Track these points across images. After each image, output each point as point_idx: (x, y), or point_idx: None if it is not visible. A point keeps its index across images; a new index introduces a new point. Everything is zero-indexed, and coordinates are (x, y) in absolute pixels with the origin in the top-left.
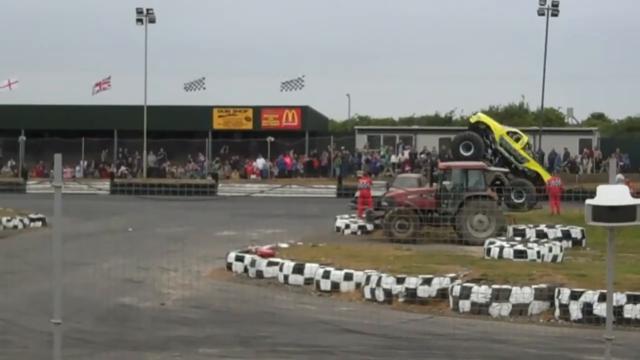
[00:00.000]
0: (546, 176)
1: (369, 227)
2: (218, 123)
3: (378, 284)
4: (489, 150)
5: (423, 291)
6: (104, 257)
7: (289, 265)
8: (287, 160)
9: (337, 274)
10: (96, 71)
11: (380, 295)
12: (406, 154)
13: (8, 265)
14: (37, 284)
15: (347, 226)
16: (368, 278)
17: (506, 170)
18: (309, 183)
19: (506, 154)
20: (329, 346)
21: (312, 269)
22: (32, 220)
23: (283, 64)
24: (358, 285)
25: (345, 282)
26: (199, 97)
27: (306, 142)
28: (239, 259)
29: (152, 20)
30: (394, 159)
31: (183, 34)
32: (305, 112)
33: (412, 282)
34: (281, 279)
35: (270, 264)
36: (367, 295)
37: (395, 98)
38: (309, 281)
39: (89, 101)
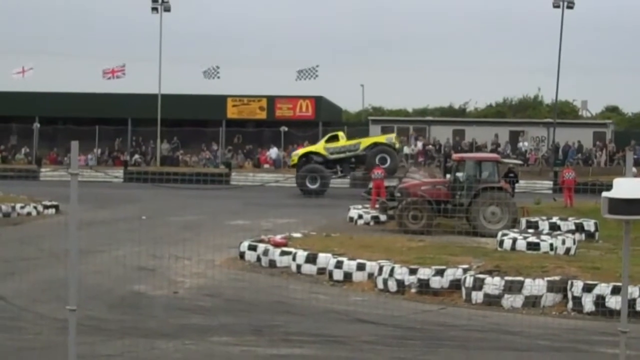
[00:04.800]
0: (382, 138)
1: (382, 217)
2: (232, 112)
3: (391, 274)
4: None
5: (436, 282)
6: (118, 244)
7: (301, 254)
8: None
9: (350, 264)
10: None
11: (392, 286)
12: (419, 145)
13: (21, 252)
14: (50, 270)
15: (360, 216)
16: (381, 268)
17: (520, 162)
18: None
19: (342, 156)
20: (341, 336)
21: (325, 259)
22: (45, 207)
23: (297, 54)
24: (371, 275)
25: (358, 273)
26: (213, 86)
27: (320, 133)
28: (252, 248)
29: (167, 9)
30: (407, 150)
31: (198, 22)
32: (319, 102)
33: (424, 273)
34: (294, 268)
35: (283, 253)
36: (380, 285)
37: (409, 89)
38: (321, 271)
39: (104, 89)
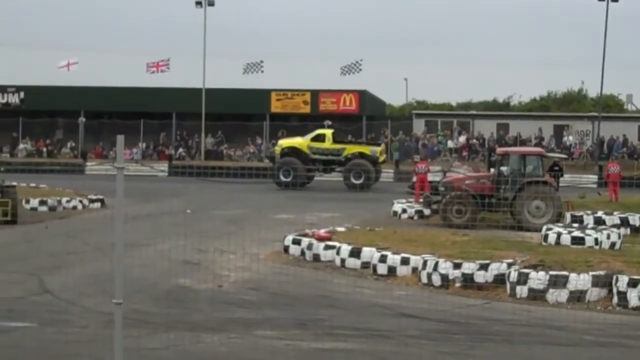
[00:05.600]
0: (367, 150)
1: (426, 212)
2: (276, 106)
3: (435, 268)
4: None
5: (480, 276)
6: (163, 238)
7: (346, 249)
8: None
9: (394, 258)
10: (155, 54)
11: (437, 280)
12: (462, 139)
13: (68, 246)
14: (96, 264)
15: (404, 211)
16: (425, 263)
17: (564, 156)
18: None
19: (323, 157)
20: (385, 330)
21: (369, 253)
22: (91, 201)
23: (341, 47)
24: (415, 269)
25: (402, 267)
26: (257, 80)
27: (363, 127)
28: (296, 242)
29: (211, 3)
30: (450, 144)
31: (242, 17)
32: (363, 96)
33: (469, 267)
34: (338, 262)
35: (327, 247)
36: (424, 279)
37: (453, 83)
38: (365, 265)
39: (148, 83)
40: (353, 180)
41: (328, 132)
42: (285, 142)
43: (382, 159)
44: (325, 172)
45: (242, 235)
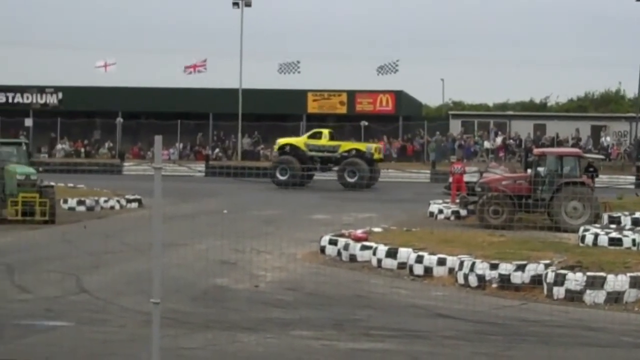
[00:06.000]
0: (362, 146)
1: (463, 212)
2: (312, 107)
3: (471, 269)
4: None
5: (517, 277)
6: (200, 238)
7: (382, 249)
8: (381, 144)
9: (430, 259)
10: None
11: (473, 281)
12: (499, 140)
13: (106, 246)
14: (134, 264)
15: (441, 211)
16: (461, 263)
17: (601, 157)
18: (402, 168)
19: (320, 154)
20: (422, 331)
21: (406, 254)
22: (128, 201)
23: (378, 48)
24: (451, 270)
25: (438, 267)
26: (293, 80)
27: (400, 127)
28: (333, 242)
29: (248, 4)
30: (487, 144)
31: (279, 17)
32: (399, 96)
33: (505, 268)
34: (374, 262)
35: (363, 247)
36: (461, 280)
37: (489, 83)
38: (402, 265)
39: (185, 84)
40: (347, 179)
41: (325, 131)
42: (282, 141)
43: (377, 156)
44: (323, 171)
45: (278, 236)
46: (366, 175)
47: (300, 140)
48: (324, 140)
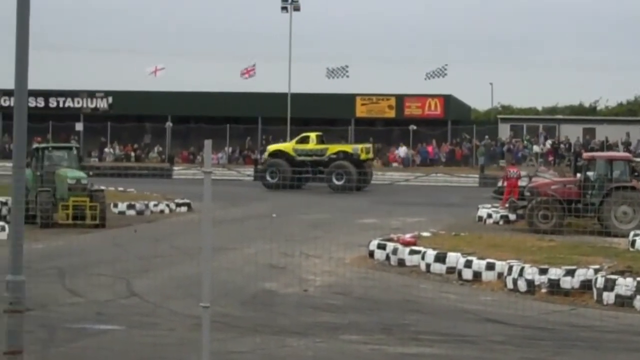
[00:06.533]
0: (348, 148)
1: (512, 217)
2: (361, 111)
3: (520, 274)
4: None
5: (566, 282)
6: (248, 242)
7: (431, 253)
8: (430, 148)
9: (479, 264)
10: (241, 59)
11: (522, 286)
12: (548, 144)
13: (155, 249)
14: (183, 267)
15: (489, 216)
16: (510, 268)
17: None
18: (451, 172)
19: (308, 159)
20: (471, 335)
21: (455, 258)
22: (178, 205)
23: (426, 52)
24: (500, 275)
25: (487, 272)
26: (342, 84)
27: (448, 131)
28: (381, 246)
29: (297, 8)
30: (536, 148)
31: (327, 22)
32: (448, 100)
33: (555, 273)
34: (423, 267)
35: (412, 252)
36: (510, 285)
37: (538, 87)
38: (451, 270)
39: (234, 88)
40: (335, 182)
41: (312, 135)
42: (272, 147)
43: (364, 156)
44: (314, 174)
45: (327, 240)
46: (353, 177)
47: (288, 146)
48: (312, 145)
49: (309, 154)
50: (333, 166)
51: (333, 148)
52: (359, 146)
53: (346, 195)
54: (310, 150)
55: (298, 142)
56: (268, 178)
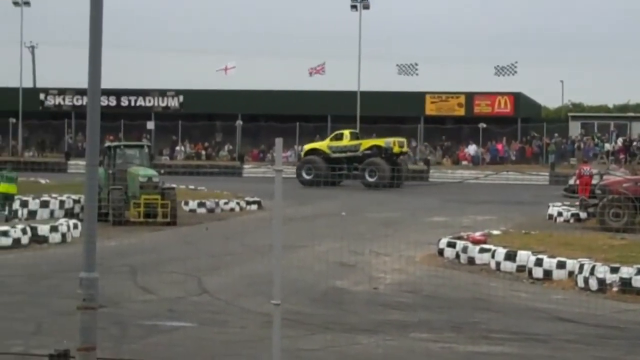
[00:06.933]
0: (381, 142)
1: (582, 215)
2: (430, 109)
3: (591, 272)
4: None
5: (638, 281)
6: (318, 240)
7: (501, 252)
8: (499, 146)
9: (549, 262)
10: (311, 57)
11: (593, 284)
12: (619, 141)
13: (226, 247)
14: (254, 265)
15: (560, 214)
16: (581, 267)
17: None
18: (521, 170)
19: (344, 155)
20: (541, 334)
21: (525, 257)
22: (248, 203)
23: (496, 49)
24: (571, 273)
25: (558, 270)
26: (411, 83)
27: (518, 129)
28: (451, 245)
29: (367, 7)
30: (607, 146)
31: (396, 20)
32: (518, 98)
33: (626, 271)
34: (493, 265)
35: (482, 250)
36: (580, 284)
37: (609, 85)
38: (521, 268)
39: (304, 87)
40: (368, 179)
41: (346, 132)
42: (308, 146)
43: (397, 150)
44: (349, 172)
45: (397, 238)
46: (386, 174)
47: (323, 144)
48: (345, 141)
49: (343, 150)
50: (365, 163)
51: (366, 143)
52: (392, 140)
53: (416, 194)
54: (344, 147)
55: (332, 140)
56: (304, 175)
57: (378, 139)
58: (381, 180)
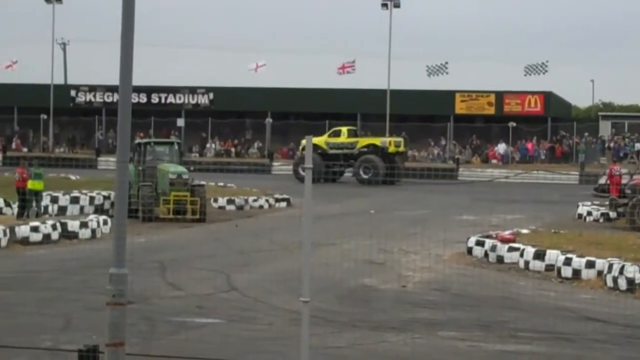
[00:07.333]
0: (377, 141)
1: (612, 215)
2: (460, 108)
3: (621, 272)
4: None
5: None
6: (346, 238)
7: (529, 251)
8: (529, 145)
9: (578, 261)
10: (341, 55)
11: (622, 284)
12: None
13: (255, 244)
14: (282, 262)
15: (589, 213)
16: (610, 266)
17: None
18: (551, 169)
19: (339, 152)
20: (569, 333)
21: (553, 256)
22: (277, 200)
23: (527, 49)
24: (600, 273)
25: (586, 270)
26: (441, 81)
27: (548, 128)
28: (480, 243)
29: (397, 5)
30: (638, 146)
31: (427, 18)
32: (548, 97)
33: None
34: (522, 264)
35: (510, 249)
36: (609, 283)
37: None
38: (550, 268)
39: (333, 85)
40: (362, 175)
41: (344, 129)
42: (304, 142)
43: (393, 149)
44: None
45: (425, 236)
46: (380, 171)
47: (321, 140)
48: (343, 138)
49: (340, 147)
50: (360, 160)
51: (363, 141)
52: (388, 139)
53: (445, 192)
54: (341, 144)
55: (330, 136)
56: (301, 172)
57: (374, 138)
58: (375, 177)
